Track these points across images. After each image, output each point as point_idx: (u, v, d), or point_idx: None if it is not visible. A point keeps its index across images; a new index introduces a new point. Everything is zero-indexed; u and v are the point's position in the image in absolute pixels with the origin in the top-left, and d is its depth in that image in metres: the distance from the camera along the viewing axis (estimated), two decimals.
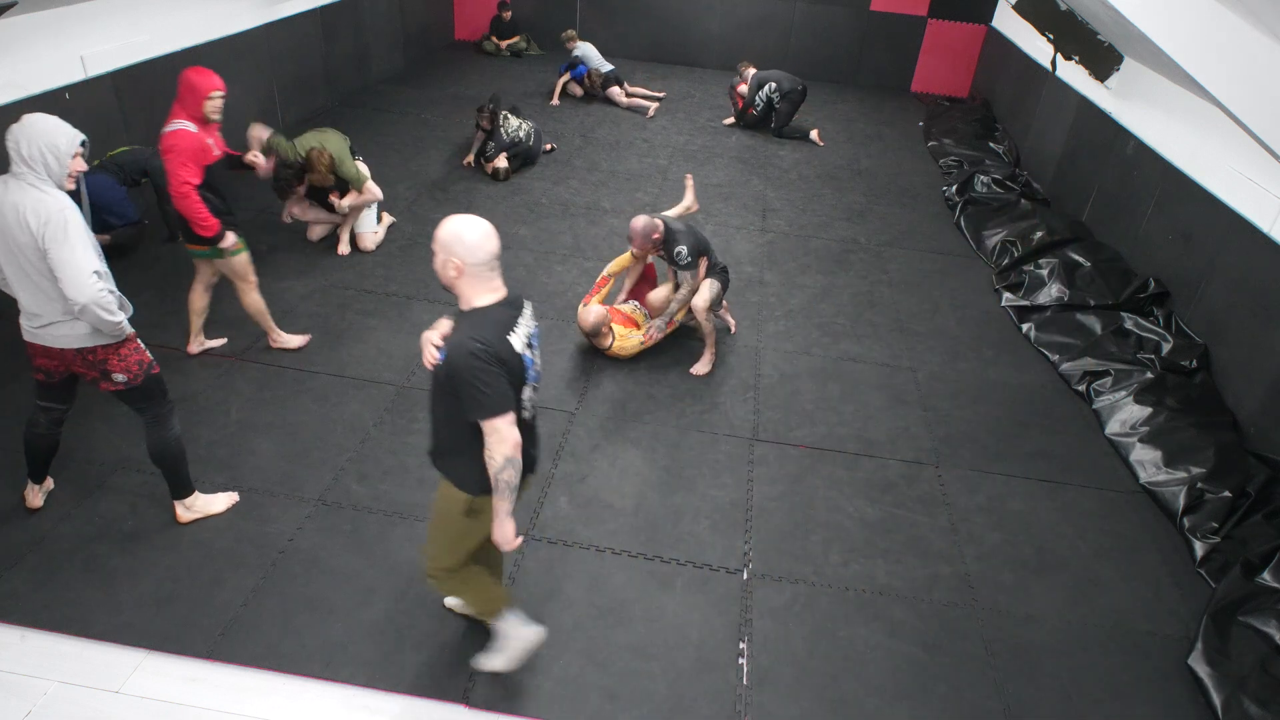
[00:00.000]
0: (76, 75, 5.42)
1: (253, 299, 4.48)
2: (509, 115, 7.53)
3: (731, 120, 9.47)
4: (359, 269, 5.69)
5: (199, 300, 4.51)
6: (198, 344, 4.65)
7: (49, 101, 5.20)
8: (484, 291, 2.41)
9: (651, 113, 9.59)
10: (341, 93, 8.99)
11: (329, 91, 8.73)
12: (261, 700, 2.84)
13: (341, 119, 8.46)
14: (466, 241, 2.33)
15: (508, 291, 2.47)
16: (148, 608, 3.12)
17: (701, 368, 4.88)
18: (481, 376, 2.28)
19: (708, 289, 4.78)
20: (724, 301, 5.19)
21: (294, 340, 4.77)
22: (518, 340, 2.42)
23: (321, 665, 2.97)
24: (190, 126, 3.95)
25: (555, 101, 9.68)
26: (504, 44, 11.46)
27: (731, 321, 5.37)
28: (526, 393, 2.49)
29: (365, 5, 9.23)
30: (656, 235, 4.71)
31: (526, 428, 2.52)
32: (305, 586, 3.27)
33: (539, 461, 2.75)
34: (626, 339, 4.87)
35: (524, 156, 7.59)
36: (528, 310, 2.55)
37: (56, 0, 5.13)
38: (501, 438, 2.34)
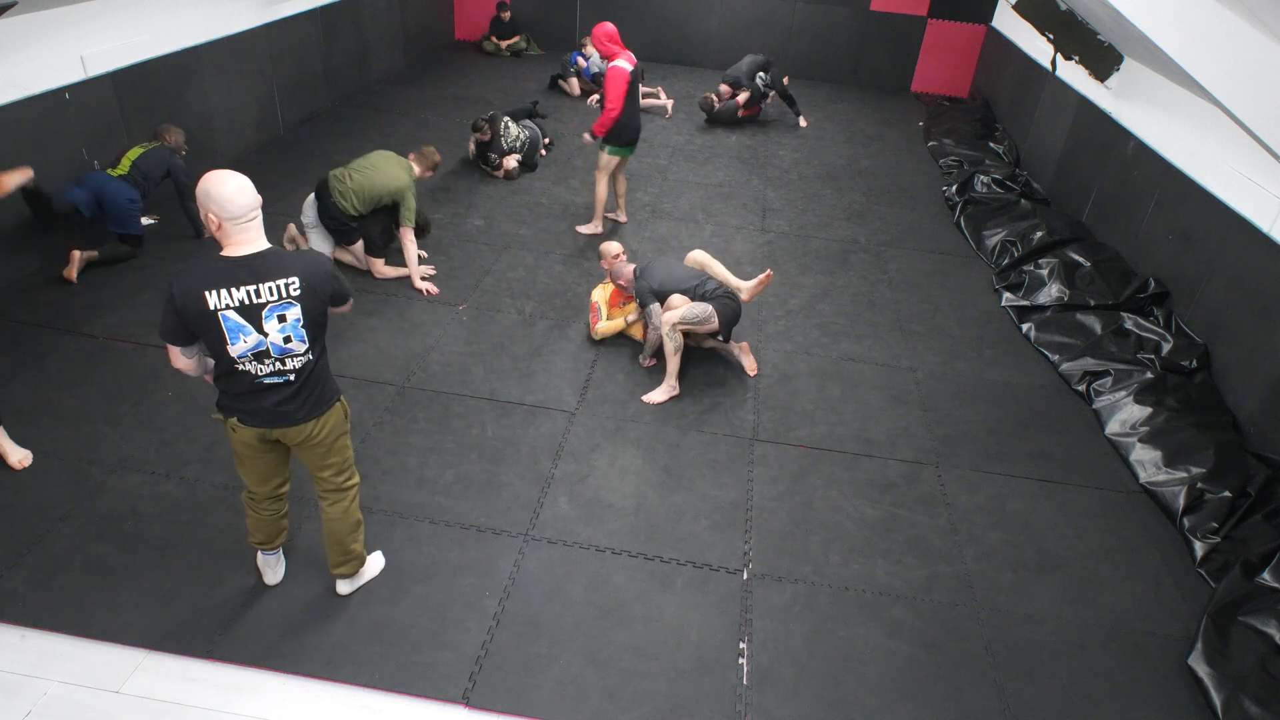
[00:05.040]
0: (76, 75, 5.41)
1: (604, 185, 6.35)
2: (509, 124, 7.54)
3: (745, 111, 9.47)
4: (359, 269, 5.69)
5: (616, 185, 6.53)
6: (624, 214, 6.67)
7: (49, 101, 5.20)
8: (231, 245, 2.53)
9: (669, 113, 9.69)
10: (341, 93, 8.99)
11: (329, 91, 8.73)
12: (262, 700, 2.84)
13: (341, 119, 8.47)
14: (215, 195, 2.44)
15: (262, 252, 2.54)
16: (148, 608, 3.12)
17: (654, 395, 4.55)
18: (162, 307, 2.56)
19: (686, 310, 4.48)
20: (733, 341, 4.88)
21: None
22: (217, 298, 2.49)
23: (321, 665, 2.97)
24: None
25: (576, 93, 10.07)
26: (504, 44, 11.47)
27: (747, 359, 4.92)
28: (239, 350, 2.57)
29: (365, 5, 9.24)
30: (624, 281, 5.01)
31: (249, 379, 2.67)
32: (305, 586, 3.27)
33: (274, 416, 2.77)
34: (602, 288, 5.20)
35: (527, 160, 7.62)
36: (280, 283, 2.55)
37: (56, 0, 5.13)
38: (170, 355, 2.67)
